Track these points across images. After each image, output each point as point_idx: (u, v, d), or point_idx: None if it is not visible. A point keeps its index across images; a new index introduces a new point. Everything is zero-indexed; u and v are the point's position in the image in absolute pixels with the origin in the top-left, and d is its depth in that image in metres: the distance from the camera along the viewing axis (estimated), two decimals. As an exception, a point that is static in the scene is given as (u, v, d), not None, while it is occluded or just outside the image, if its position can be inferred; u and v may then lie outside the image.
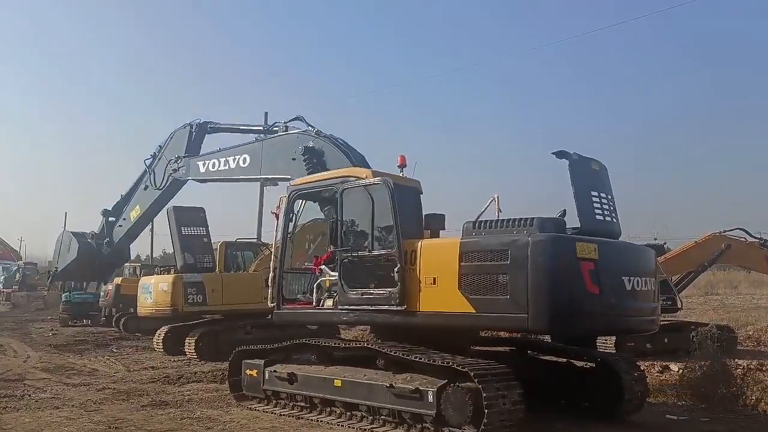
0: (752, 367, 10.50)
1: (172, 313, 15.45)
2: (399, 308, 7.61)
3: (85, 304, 23.37)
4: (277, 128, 12.58)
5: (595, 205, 7.36)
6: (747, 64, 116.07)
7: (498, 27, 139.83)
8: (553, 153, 7.34)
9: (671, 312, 14.90)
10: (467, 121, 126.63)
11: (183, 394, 9.83)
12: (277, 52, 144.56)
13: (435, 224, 8.38)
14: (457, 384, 6.73)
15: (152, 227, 33.91)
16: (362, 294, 8.03)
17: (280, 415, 8.36)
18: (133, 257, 23.69)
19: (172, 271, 16.95)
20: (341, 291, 8.21)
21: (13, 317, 27.43)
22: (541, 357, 8.94)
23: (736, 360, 11.03)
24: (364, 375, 7.69)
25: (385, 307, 7.75)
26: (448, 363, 6.87)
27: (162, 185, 15.22)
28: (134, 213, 16.33)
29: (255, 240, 21.95)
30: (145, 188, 15.94)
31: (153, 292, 15.94)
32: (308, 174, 10.16)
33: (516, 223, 7.13)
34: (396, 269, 7.65)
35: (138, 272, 23.33)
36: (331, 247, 8.58)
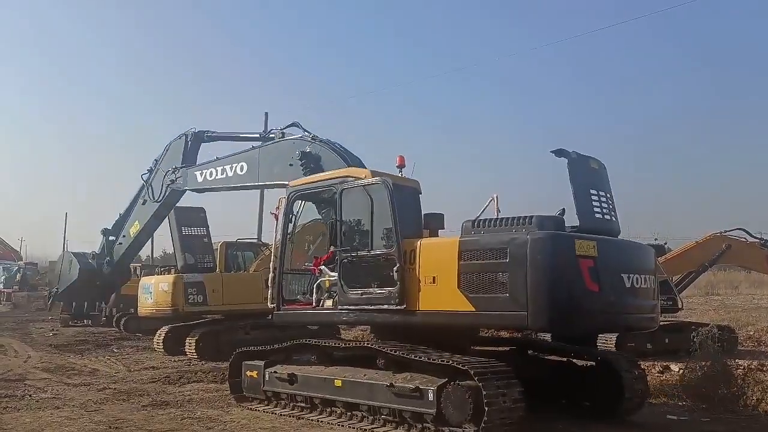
0: (753, 367, 10.48)
1: (173, 313, 15.47)
2: (398, 308, 7.62)
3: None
4: (273, 135, 12.64)
5: (594, 203, 7.37)
6: (747, 64, 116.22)
7: (498, 27, 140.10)
8: (552, 152, 7.36)
9: (672, 312, 14.90)
10: (467, 121, 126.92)
11: (183, 394, 9.84)
12: (277, 52, 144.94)
13: (434, 224, 8.39)
14: (457, 382, 6.74)
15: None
16: (362, 294, 8.04)
17: (281, 415, 8.37)
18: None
19: (173, 271, 16.96)
20: (341, 291, 8.22)
21: (13, 317, 27.46)
22: (542, 356, 8.93)
23: (736, 360, 11.00)
24: (365, 375, 7.70)
25: (385, 307, 7.75)
26: (448, 361, 6.87)
27: (160, 197, 15.24)
28: (134, 229, 16.33)
29: (255, 240, 21.96)
30: (144, 203, 15.97)
31: (153, 292, 15.95)
32: None
33: (515, 221, 7.14)
34: (395, 269, 7.66)
35: (138, 272, 23.33)
36: (331, 247, 8.59)
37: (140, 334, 18.47)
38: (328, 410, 8.07)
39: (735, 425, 7.98)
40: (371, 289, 7.98)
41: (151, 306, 16.05)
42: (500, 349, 8.81)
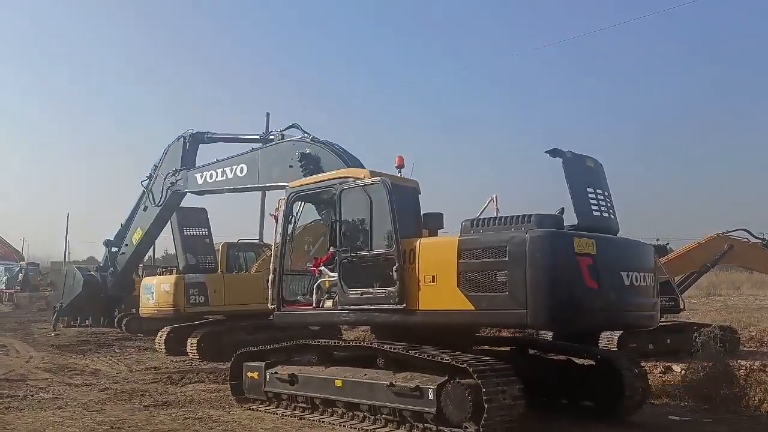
0: (755, 368, 10.45)
1: (174, 313, 15.50)
2: (398, 307, 7.62)
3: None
4: (273, 137, 12.67)
5: (592, 201, 7.37)
6: (747, 63, 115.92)
7: (498, 27, 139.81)
8: (546, 152, 7.36)
9: (674, 313, 14.88)
10: (467, 121, 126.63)
11: (185, 395, 9.85)
12: (277, 52, 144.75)
13: (433, 223, 8.39)
14: (456, 381, 6.74)
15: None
16: (362, 294, 8.04)
17: (282, 415, 8.38)
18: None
19: (174, 271, 17.00)
20: (341, 291, 8.22)
21: (15, 317, 27.49)
22: (543, 355, 8.94)
23: (738, 361, 10.98)
24: (365, 374, 7.71)
25: (385, 306, 7.76)
26: (448, 360, 6.87)
27: (161, 201, 15.26)
28: (136, 236, 16.33)
29: (257, 241, 22.00)
30: (145, 209, 15.99)
31: (155, 292, 15.99)
32: None
33: (514, 220, 7.14)
34: (395, 268, 7.66)
35: (140, 273, 23.37)
36: (331, 248, 8.60)
37: (142, 335, 18.48)
38: (329, 410, 8.08)
39: (737, 426, 7.97)
40: (371, 289, 7.98)
41: (152, 306, 16.08)
42: (501, 348, 8.82)
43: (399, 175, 8.48)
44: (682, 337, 13.65)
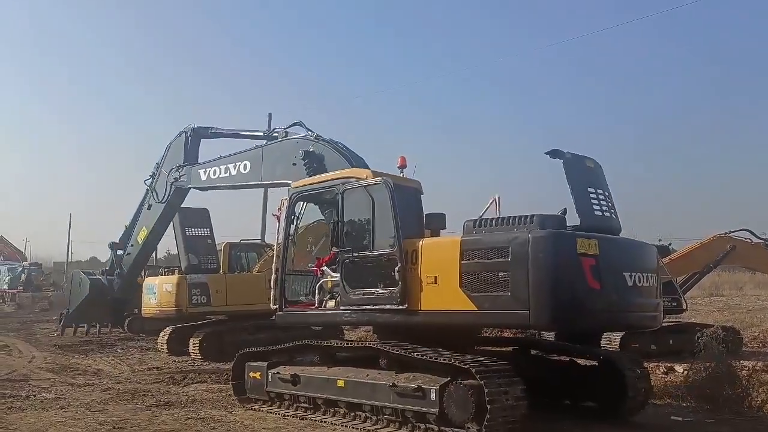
0: (758, 368, 10.45)
1: (177, 313, 15.53)
2: (400, 307, 7.63)
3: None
4: (276, 134, 12.66)
5: (593, 201, 7.37)
6: (749, 63, 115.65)
7: (498, 27, 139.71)
8: (546, 153, 7.36)
9: (676, 313, 14.86)
10: (467, 121, 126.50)
11: (187, 395, 9.86)
12: (277, 52, 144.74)
13: (435, 224, 8.37)
14: (459, 381, 6.74)
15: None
16: (364, 294, 8.04)
17: (284, 415, 8.38)
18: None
19: (177, 272, 17.00)
20: (343, 291, 8.23)
21: (18, 318, 27.52)
22: (545, 356, 8.93)
23: (741, 361, 10.98)
24: (367, 375, 7.71)
25: (387, 307, 7.77)
26: (450, 361, 6.87)
27: (165, 198, 15.25)
28: (141, 235, 16.31)
29: (259, 241, 21.99)
30: (149, 207, 15.97)
31: (157, 292, 16.01)
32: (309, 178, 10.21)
33: (516, 220, 7.14)
34: (397, 269, 7.66)
35: (143, 273, 23.38)
36: (333, 248, 8.60)
37: (144, 335, 18.50)
38: (331, 410, 8.08)
39: (740, 427, 7.96)
40: (373, 290, 7.98)
41: (155, 306, 16.11)
42: (503, 349, 8.81)
43: (401, 175, 8.48)
44: (684, 337, 13.64)
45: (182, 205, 16.29)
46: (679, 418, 8.44)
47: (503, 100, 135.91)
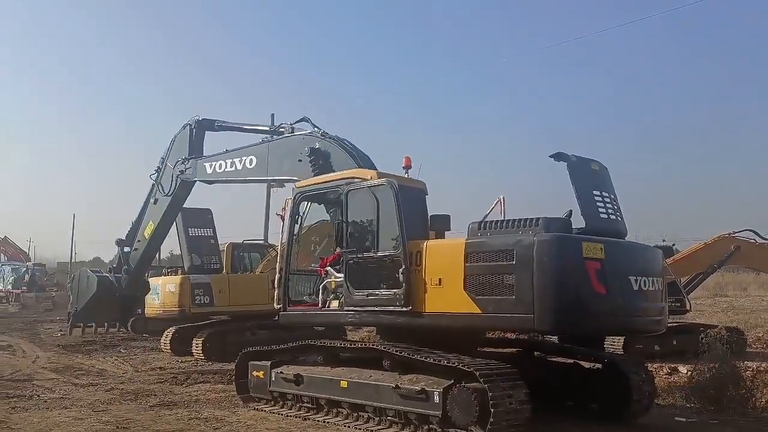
0: (762, 369, 10.41)
1: (180, 314, 15.53)
2: (404, 309, 7.62)
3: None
4: (283, 129, 12.57)
5: (599, 205, 7.34)
6: (752, 62, 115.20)
7: (499, 27, 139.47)
8: (551, 156, 7.33)
9: (680, 314, 14.80)
10: (468, 121, 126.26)
11: (190, 395, 9.87)
12: (280, 52, 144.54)
13: (440, 225, 8.37)
14: (463, 384, 6.73)
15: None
16: (368, 295, 8.04)
17: (287, 415, 8.38)
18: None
19: (180, 272, 17.00)
20: (347, 292, 8.22)
21: (21, 318, 27.59)
22: (548, 358, 8.91)
23: (745, 362, 10.95)
24: (370, 376, 7.71)
25: (391, 308, 7.76)
26: (454, 363, 6.86)
27: (171, 191, 15.19)
28: (148, 230, 16.25)
29: (262, 241, 22.00)
30: (155, 202, 15.92)
31: (160, 293, 16.02)
32: (314, 175, 10.18)
33: (521, 223, 7.12)
34: (401, 270, 7.65)
35: (146, 274, 23.40)
36: (337, 248, 8.60)
37: (147, 335, 18.51)
38: (334, 411, 8.08)
39: (744, 427, 7.95)
40: (377, 291, 7.98)
41: (158, 307, 16.12)
42: (506, 350, 8.80)
43: (406, 175, 8.47)
44: (688, 338, 13.60)
45: (185, 206, 16.25)
46: (683, 419, 8.42)
47: (504, 99, 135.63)
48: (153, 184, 15.85)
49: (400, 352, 7.44)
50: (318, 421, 8.02)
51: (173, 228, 16.60)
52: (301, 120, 11.94)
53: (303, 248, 9.59)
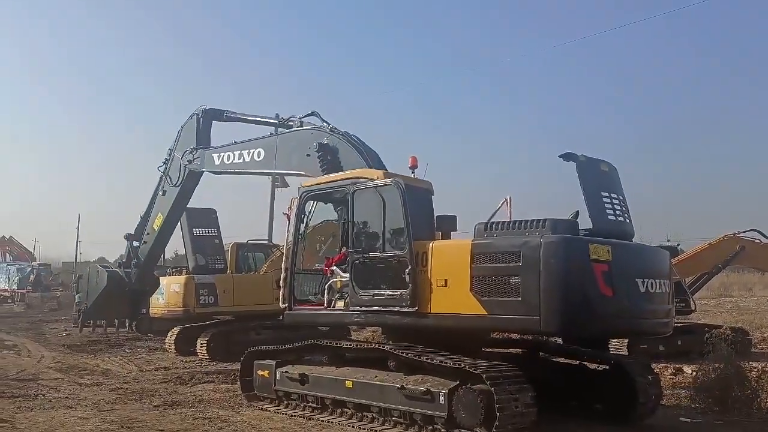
0: (767, 369, 10.39)
1: (184, 314, 15.55)
2: (410, 309, 7.61)
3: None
4: (292, 123, 12.51)
5: (607, 206, 7.32)
6: (756, 62, 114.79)
7: (500, 27, 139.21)
8: (560, 156, 7.31)
9: (685, 314, 14.78)
10: (469, 121, 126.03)
11: (195, 395, 9.89)
12: (280, 52, 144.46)
13: (446, 226, 8.35)
14: (468, 386, 6.72)
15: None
16: (373, 295, 8.04)
17: (291, 415, 8.39)
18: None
19: (184, 272, 17.02)
20: (352, 292, 8.22)
21: (27, 317, 27.67)
22: (553, 359, 8.90)
23: (750, 362, 10.90)
24: (376, 376, 7.71)
25: (397, 309, 7.76)
26: (460, 365, 6.86)
27: (179, 181, 15.13)
28: (157, 222, 16.22)
29: (266, 241, 22.01)
30: (164, 193, 15.89)
31: (165, 293, 16.04)
32: (322, 170, 10.17)
33: (528, 224, 7.09)
34: (407, 271, 7.65)
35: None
36: (343, 248, 8.60)
37: (152, 335, 18.55)
38: (338, 411, 8.09)
39: (749, 428, 7.94)
40: (383, 291, 7.97)
41: (162, 307, 16.14)
42: (511, 351, 8.79)
43: (412, 175, 8.46)
44: (693, 338, 13.60)
45: (189, 206, 16.24)
46: (688, 420, 8.41)
47: (504, 100, 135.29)
48: (161, 176, 15.80)
49: (406, 353, 7.43)
50: (323, 420, 8.02)
51: (178, 228, 16.59)
52: (310, 114, 11.87)
53: (308, 248, 9.59)
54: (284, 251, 9.71)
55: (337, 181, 8.97)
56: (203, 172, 14.65)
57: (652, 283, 7.13)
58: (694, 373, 10.10)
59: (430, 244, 7.71)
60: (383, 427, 7.48)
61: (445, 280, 7.41)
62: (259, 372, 9.11)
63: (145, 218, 16.50)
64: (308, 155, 10.86)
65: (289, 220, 9.27)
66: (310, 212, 9.34)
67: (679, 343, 13.79)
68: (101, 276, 17.22)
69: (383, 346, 7.96)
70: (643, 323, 7.37)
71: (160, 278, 17.17)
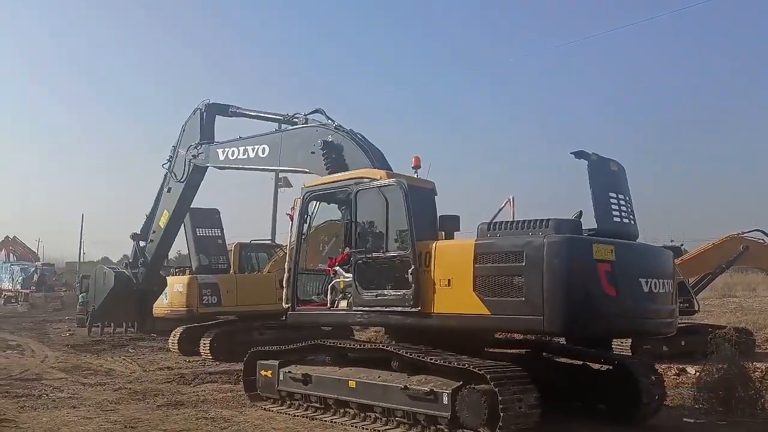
0: (771, 370, 10.37)
1: (187, 313, 15.57)
2: (413, 310, 7.61)
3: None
4: (297, 119, 12.51)
5: (613, 206, 7.31)
6: (758, 62, 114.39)
7: (502, 27, 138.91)
8: (572, 153, 7.29)
9: (688, 314, 14.77)
10: (470, 121, 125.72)
11: (198, 395, 9.90)
12: (281, 52, 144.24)
13: (449, 226, 8.35)
14: (472, 386, 6.72)
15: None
16: (377, 295, 8.04)
17: (294, 415, 8.39)
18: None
19: (187, 272, 17.04)
20: (356, 292, 8.22)
21: (30, 317, 27.74)
22: (556, 359, 8.89)
23: (754, 363, 10.90)
24: (379, 376, 7.70)
25: (400, 309, 7.75)
26: (464, 365, 6.85)
27: (183, 177, 15.13)
28: (163, 219, 16.20)
29: (269, 241, 22.02)
30: (169, 190, 15.89)
31: (168, 293, 16.07)
32: (327, 168, 10.17)
33: (531, 224, 7.09)
34: (410, 271, 7.65)
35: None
36: (346, 248, 8.60)
37: (155, 335, 18.58)
38: (341, 411, 8.08)
39: (753, 428, 7.92)
40: (386, 291, 7.97)
41: (166, 307, 16.16)
42: (514, 351, 8.78)
43: (415, 175, 8.46)
44: (696, 338, 13.57)
45: (193, 206, 16.25)
46: (692, 420, 8.40)
47: (504, 100, 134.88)
48: (165, 174, 15.78)
49: (409, 353, 7.43)
50: (326, 421, 8.03)
51: (181, 228, 16.59)
52: (315, 111, 11.86)
53: (311, 248, 9.60)
54: (287, 251, 9.71)
55: (340, 181, 8.97)
56: (208, 167, 14.66)
57: (655, 283, 7.12)
58: (698, 374, 10.07)
59: (434, 244, 7.71)
60: (386, 428, 7.48)
61: (449, 280, 7.41)
62: (262, 372, 9.12)
63: (151, 217, 16.48)
64: (313, 153, 10.84)
65: (292, 220, 9.28)
66: (313, 212, 9.34)
67: (683, 343, 13.77)
68: (108, 277, 17.20)
69: (386, 347, 7.96)
70: (646, 323, 7.36)
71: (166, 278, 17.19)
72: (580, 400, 8.42)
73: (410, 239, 7.74)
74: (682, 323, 14.17)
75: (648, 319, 7.29)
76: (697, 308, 14.98)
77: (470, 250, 7.28)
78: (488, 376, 6.54)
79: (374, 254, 8.13)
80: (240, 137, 13.45)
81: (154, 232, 16.39)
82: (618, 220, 7.32)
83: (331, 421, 7.97)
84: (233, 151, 13.42)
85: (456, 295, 7.32)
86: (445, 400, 6.84)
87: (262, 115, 14.44)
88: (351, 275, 8.33)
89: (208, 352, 14.44)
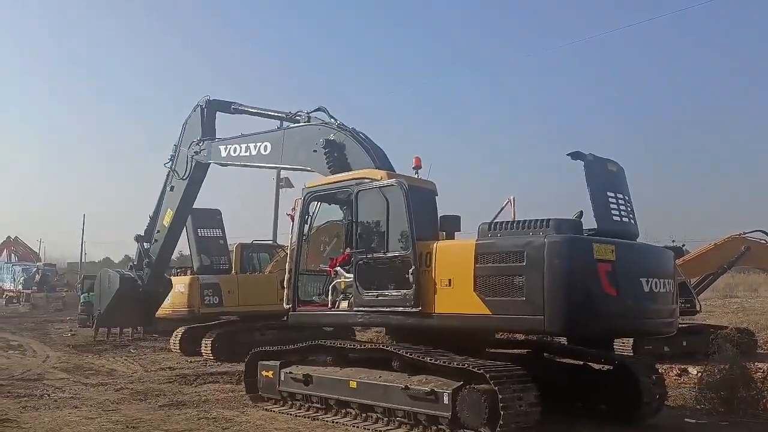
0: (772, 370, 10.36)
1: (189, 314, 15.58)
2: (414, 310, 7.61)
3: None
4: (299, 117, 12.52)
5: (612, 206, 7.31)
6: (758, 62, 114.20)
7: (503, 27, 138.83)
8: (568, 154, 7.30)
9: (690, 315, 14.74)
10: (470, 121, 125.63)
11: (199, 395, 9.91)
12: (281, 51, 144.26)
13: (450, 226, 8.36)
14: (472, 386, 6.72)
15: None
16: (377, 296, 8.04)
17: (296, 416, 8.40)
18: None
19: (189, 272, 17.05)
20: (356, 292, 8.23)
21: (32, 318, 27.78)
22: (557, 359, 8.89)
23: (756, 363, 10.89)
24: (380, 377, 7.71)
25: (400, 309, 7.76)
26: (464, 365, 6.86)
27: (186, 174, 15.14)
28: (167, 218, 16.16)
29: (270, 242, 22.02)
30: (172, 189, 15.88)
31: (170, 293, 16.04)
32: (329, 167, 10.17)
33: (532, 224, 7.10)
34: (411, 271, 7.66)
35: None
36: (347, 249, 8.61)
37: (157, 335, 18.58)
38: (343, 411, 8.09)
39: (754, 429, 7.91)
40: (387, 291, 7.98)
41: (167, 307, 16.13)
42: (515, 351, 8.79)
43: (416, 176, 8.46)
44: (698, 339, 13.56)
45: (194, 207, 16.23)
46: (693, 421, 8.40)
47: (504, 100, 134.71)
48: (168, 173, 15.75)
49: (410, 353, 7.44)
50: (327, 421, 8.04)
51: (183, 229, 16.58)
52: (318, 109, 11.86)
53: (312, 248, 9.61)
54: (288, 252, 9.72)
55: (340, 181, 8.98)
56: (210, 163, 14.66)
57: (656, 283, 7.12)
58: (700, 374, 10.07)
59: (434, 245, 7.72)
60: (387, 428, 7.49)
61: (449, 280, 7.42)
62: (264, 372, 9.13)
63: (155, 218, 16.43)
64: (315, 151, 10.83)
65: (293, 220, 9.29)
66: (314, 213, 9.35)
67: (685, 343, 13.76)
68: (113, 279, 17.20)
69: (387, 347, 7.97)
70: (647, 323, 7.36)
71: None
72: (581, 400, 8.43)
73: (411, 239, 7.75)
74: (684, 323, 14.17)
75: (649, 319, 7.30)
76: (698, 309, 14.95)
77: (471, 250, 7.29)
78: (488, 376, 6.55)
79: (375, 255, 8.14)
80: (242, 134, 13.46)
81: (158, 231, 16.34)
82: (618, 219, 7.33)
83: (333, 422, 7.98)
84: (235, 147, 13.41)
85: (457, 295, 7.33)
86: (446, 399, 6.85)
87: (264, 112, 14.41)
88: (352, 276, 8.34)
89: (210, 352, 14.44)
